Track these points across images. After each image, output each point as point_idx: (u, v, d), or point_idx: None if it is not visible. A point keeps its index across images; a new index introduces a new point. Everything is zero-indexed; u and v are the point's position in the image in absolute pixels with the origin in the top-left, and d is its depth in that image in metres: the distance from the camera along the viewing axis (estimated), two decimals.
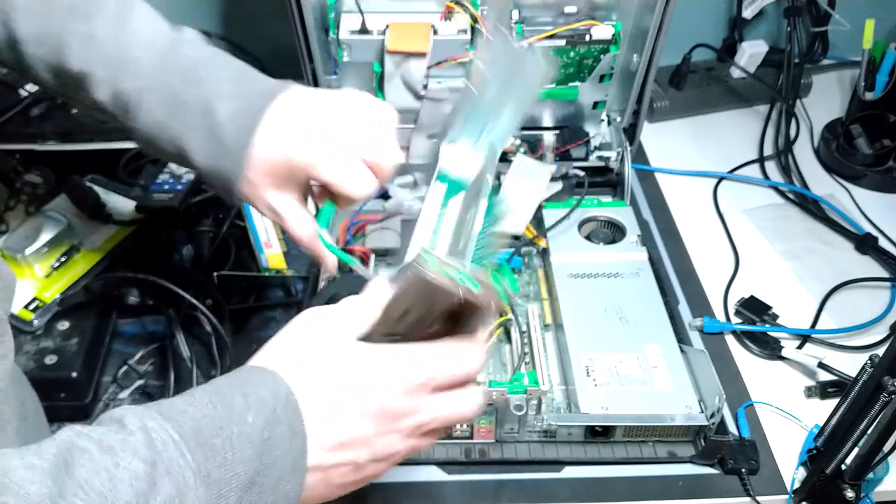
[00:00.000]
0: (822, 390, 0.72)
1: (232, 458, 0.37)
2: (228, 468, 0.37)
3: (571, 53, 0.81)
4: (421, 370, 0.43)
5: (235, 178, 0.50)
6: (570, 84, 0.84)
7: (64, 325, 0.72)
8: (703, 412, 0.65)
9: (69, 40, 0.50)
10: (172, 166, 0.84)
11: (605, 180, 0.91)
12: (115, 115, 0.52)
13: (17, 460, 0.32)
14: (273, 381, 0.41)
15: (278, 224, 0.55)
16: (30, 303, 0.72)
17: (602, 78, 0.84)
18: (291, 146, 0.50)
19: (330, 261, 0.55)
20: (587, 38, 0.79)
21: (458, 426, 0.65)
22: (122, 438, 0.35)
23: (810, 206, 0.95)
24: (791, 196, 0.97)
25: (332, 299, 0.66)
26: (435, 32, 0.77)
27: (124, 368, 0.73)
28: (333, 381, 0.42)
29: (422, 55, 0.77)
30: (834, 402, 0.62)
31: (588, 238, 0.83)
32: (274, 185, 0.51)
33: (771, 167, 1.02)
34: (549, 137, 0.91)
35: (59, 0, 0.51)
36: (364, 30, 0.78)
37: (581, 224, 0.84)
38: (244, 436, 0.38)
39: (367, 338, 0.44)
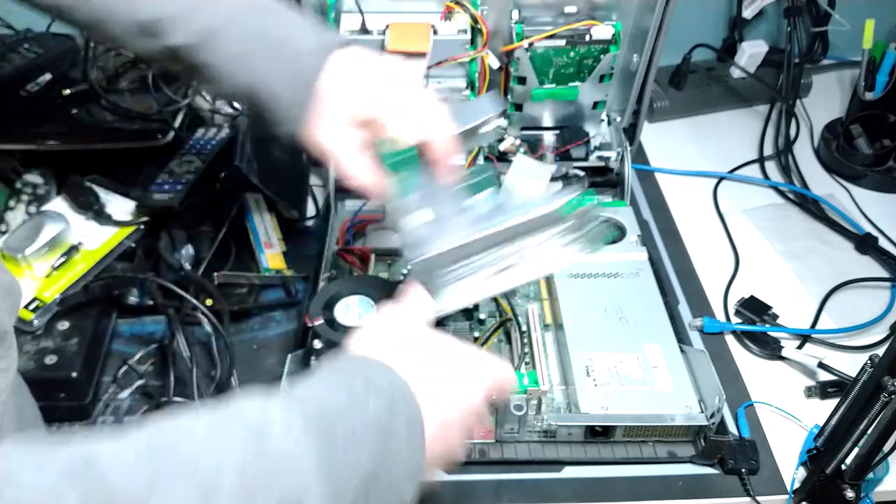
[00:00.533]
0: (822, 390, 0.72)
1: (354, 449, 0.36)
2: (351, 462, 0.36)
3: (571, 53, 0.81)
4: (504, 381, 0.47)
5: (305, 111, 0.53)
6: (570, 84, 0.84)
7: (64, 325, 0.72)
8: (703, 412, 0.65)
9: None
10: (172, 166, 0.84)
11: (605, 180, 0.91)
12: (187, 55, 0.54)
13: (108, 444, 0.31)
14: (391, 372, 0.41)
15: (332, 164, 0.58)
16: (30, 303, 0.72)
17: (602, 78, 0.84)
18: (355, 79, 0.54)
19: (374, 191, 0.56)
20: (587, 38, 0.79)
21: None
22: (233, 418, 0.34)
23: (810, 206, 0.95)
24: (791, 196, 0.97)
25: (332, 300, 0.66)
26: (435, 32, 0.77)
27: (124, 368, 0.73)
28: (441, 378, 0.43)
29: (422, 55, 0.77)
30: (834, 402, 0.62)
31: None
32: (334, 120, 0.54)
33: (771, 167, 1.02)
34: (549, 137, 0.91)
35: None
36: (364, 30, 0.78)
37: None
38: (366, 425, 0.37)
39: None
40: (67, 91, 0.92)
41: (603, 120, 0.92)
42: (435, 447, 0.41)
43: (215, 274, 0.78)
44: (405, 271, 0.52)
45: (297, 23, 0.55)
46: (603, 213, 0.55)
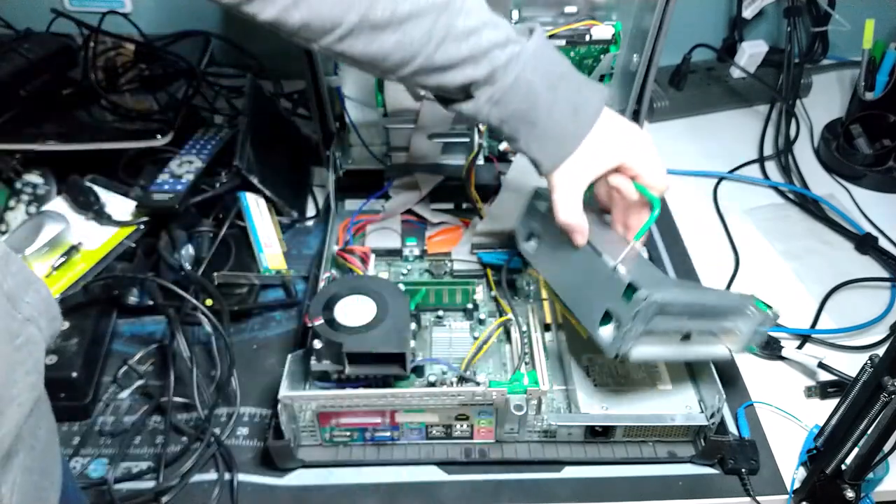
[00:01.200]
0: (822, 390, 0.72)
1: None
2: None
3: (571, 53, 0.81)
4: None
5: (570, 152, 0.59)
6: None
7: (64, 325, 0.72)
8: (703, 412, 0.65)
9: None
10: (172, 166, 0.84)
11: None
12: (472, 86, 0.57)
13: None
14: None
15: (552, 199, 0.62)
16: None
17: (602, 78, 0.84)
18: (620, 132, 0.61)
19: (582, 235, 0.63)
20: (587, 38, 0.79)
21: (457, 427, 0.65)
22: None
23: (810, 206, 0.95)
24: (791, 196, 0.97)
25: (332, 300, 0.66)
26: None
27: (124, 368, 0.73)
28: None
29: None
30: (834, 402, 0.62)
31: None
32: (584, 157, 0.60)
33: (771, 167, 1.02)
34: None
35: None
36: None
37: None
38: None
39: None
40: (67, 91, 0.92)
41: None
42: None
43: (215, 274, 0.78)
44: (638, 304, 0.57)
45: (570, 65, 0.60)
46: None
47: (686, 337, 0.61)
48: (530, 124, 0.58)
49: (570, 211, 0.61)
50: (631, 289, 0.58)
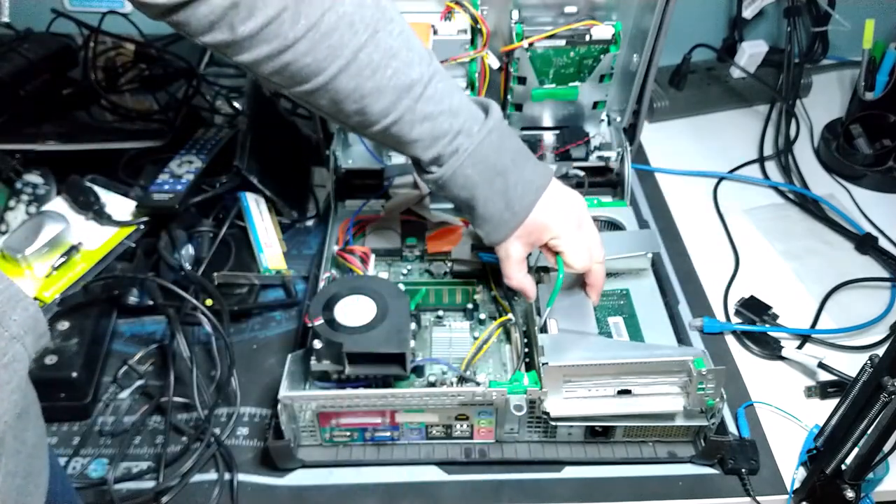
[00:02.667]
0: (822, 390, 0.72)
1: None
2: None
3: (571, 53, 0.81)
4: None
5: (509, 234, 0.64)
6: (570, 84, 0.84)
7: (64, 325, 0.72)
8: (703, 412, 0.65)
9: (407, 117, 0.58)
10: (172, 166, 0.84)
11: (605, 180, 0.91)
12: (422, 163, 0.62)
13: None
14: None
15: (501, 265, 0.68)
16: None
17: (602, 78, 0.84)
18: (552, 217, 0.64)
19: (531, 295, 0.70)
20: (587, 38, 0.79)
21: (457, 427, 0.65)
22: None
23: (810, 206, 0.95)
24: (791, 196, 0.97)
25: (332, 300, 0.66)
26: (435, 32, 0.77)
27: (124, 368, 0.73)
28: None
29: None
30: (834, 402, 0.62)
31: None
32: (520, 237, 0.65)
33: (771, 167, 1.02)
34: (548, 137, 0.91)
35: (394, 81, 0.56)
36: None
37: None
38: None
39: None
40: (67, 91, 0.92)
41: (603, 120, 0.92)
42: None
43: (215, 274, 0.78)
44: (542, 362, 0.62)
45: (519, 151, 0.63)
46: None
47: (625, 392, 0.62)
48: (470, 208, 0.64)
49: (513, 276, 0.67)
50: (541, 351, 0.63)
